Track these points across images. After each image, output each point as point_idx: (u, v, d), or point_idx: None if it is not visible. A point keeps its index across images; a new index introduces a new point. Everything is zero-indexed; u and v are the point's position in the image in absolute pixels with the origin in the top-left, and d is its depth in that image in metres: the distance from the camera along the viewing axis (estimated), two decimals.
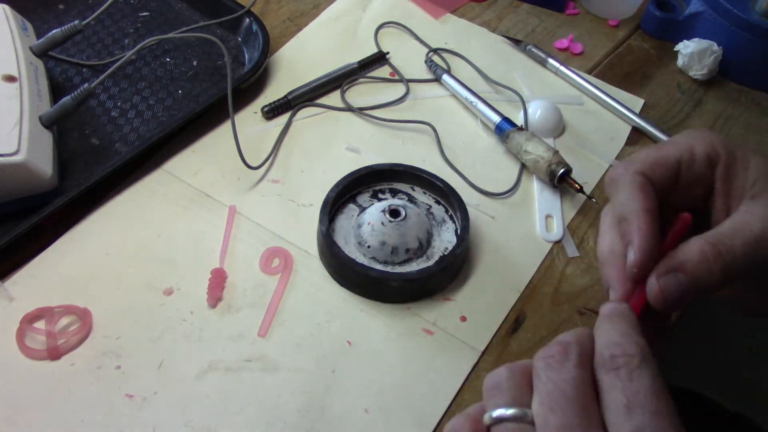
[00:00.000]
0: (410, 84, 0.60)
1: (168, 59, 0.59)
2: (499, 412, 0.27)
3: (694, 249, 0.31)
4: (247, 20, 0.60)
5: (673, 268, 0.31)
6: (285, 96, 0.57)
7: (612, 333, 0.28)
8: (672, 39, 0.65)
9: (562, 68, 0.62)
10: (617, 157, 0.56)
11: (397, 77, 0.60)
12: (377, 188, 0.50)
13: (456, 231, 0.48)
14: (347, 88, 0.59)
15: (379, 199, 0.50)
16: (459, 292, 0.47)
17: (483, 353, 0.44)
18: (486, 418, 0.28)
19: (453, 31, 0.65)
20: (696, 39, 0.62)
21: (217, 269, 0.46)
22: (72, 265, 0.46)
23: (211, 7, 0.62)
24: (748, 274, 0.32)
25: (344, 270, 0.46)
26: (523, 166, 0.54)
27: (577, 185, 0.51)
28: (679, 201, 0.35)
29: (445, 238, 0.48)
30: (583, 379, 0.27)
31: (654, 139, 0.57)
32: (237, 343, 0.44)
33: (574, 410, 0.26)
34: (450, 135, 0.56)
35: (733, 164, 0.33)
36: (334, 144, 0.55)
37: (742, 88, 0.63)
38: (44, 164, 0.46)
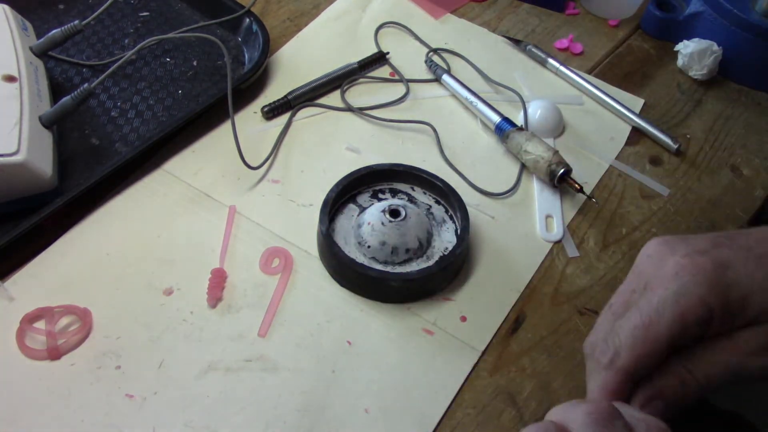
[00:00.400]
0: (410, 84, 0.60)
1: (168, 59, 0.59)
2: None
3: (673, 378, 0.32)
4: (247, 20, 0.60)
5: (653, 397, 0.32)
6: (285, 96, 0.57)
7: (582, 407, 0.28)
8: (672, 39, 0.65)
9: (562, 68, 0.62)
10: (617, 157, 0.56)
11: (397, 77, 0.60)
12: (377, 188, 0.50)
13: (456, 231, 0.48)
14: (347, 88, 0.59)
15: (379, 199, 0.50)
16: (459, 292, 0.47)
17: (483, 353, 0.44)
18: None
19: (453, 31, 0.65)
20: (696, 39, 0.62)
21: (217, 269, 0.46)
22: (72, 265, 0.46)
23: (211, 7, 0.62)
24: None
25: (344, 270, 0.46)
26: (523, 166, 0.54)
27: (577, 185, 0.51)
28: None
29: (445, 238, 0.48)
30: None
31: (654, 139, 0.57)
32: (237, 343, 0.44)
33: None
34: (450, 135, 0.56)
35: (728, 316, 0.32)
36: (334, 144, 0.55)
37: (742, 88, 0.63)
38: (44, 164, 0.46)
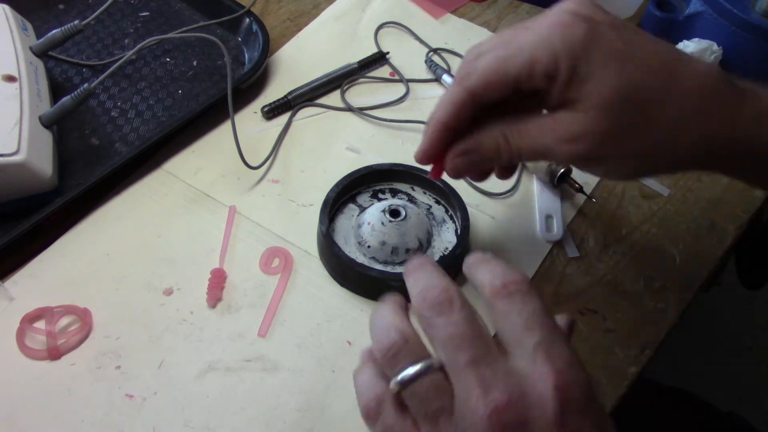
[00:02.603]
0: (410, 84, 0.60)
1: (168, 59, 0.59)
2: (406, 373, 0.29)
3: (491, 139, 0.37)
4: (247, 20, 0.60)
5: (470, 149, 0.37)
6: (285, 96, 0.57)
7: (497, 268, 0.31)
8: (672, 39, 0.65)
9: None
10: None
11: (397, 77, 0.60)
12: (377, 188, 0.50)
13: (456, 231, 0.48)
14: (347, 88, 0.59)
15: (379, 199, 0.50)
16: None
17: None
18: (393, 386, 0.29)
19: (453, 31, 0.65)
20: (696, 39, 0.62)
21: (217, 269, 0.46)
22: (72, 265, 0.46)
23: (211, 7, 0.62)
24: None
25: (344, 270, 0.46)
26: (523, 166, 0.54)
27: (577, 185, 0.51)
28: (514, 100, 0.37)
29: (445, 238, 0.48)
30: (473, 317, 0.30)
31: None
32: (237, 343, 0.44)
33: (477, 343, 0.28)
34: None
35: (570, 81, 0.34)
36: (334, 144, 0.55)
37: None
38: (44, 164, 0.46)
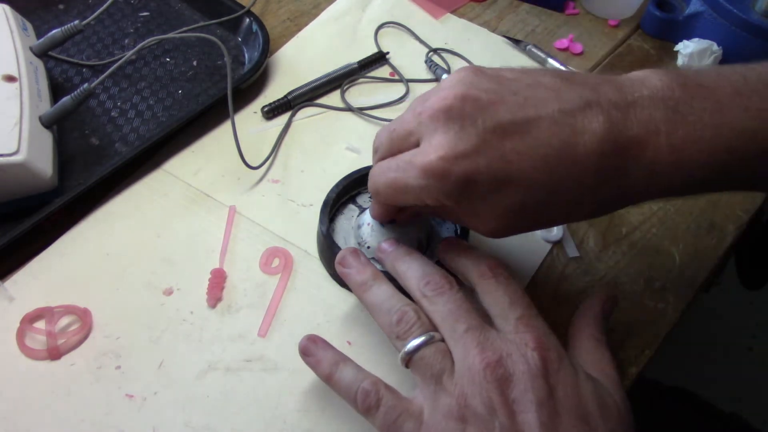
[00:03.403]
0: (410, 84, 0.60)
1: (168, 59, 0.59)
2: (416, 342, 0.36)
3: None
4: (247, 20, 0.60)
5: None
6: (285, 96, 0.57)
7: (482, 256, 0.39)
8: (672, 39, 0.65)
9: (562, 68, 0.62)
10: None
11: (397, 77, 0.60)
12: None
13: (456, 231, 0.48)
14: (347, 88, 0.59)
15: None
16: None
17: None
18: (403, 354, 0.36)
19: (453, 31, 0.65)
20: (696, 39, 0.62)
21: (216, 269, 0.46)
22: (72, 265, 0.46)
23: (211, 7, 0.62)
24: None
25: (337, 272, 0.46)
26: None
27: None
28: None
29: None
30: (466, 297, 0.37)
31: None
32: (237, 343, 0.44)
33: (471, 315, 0.36)
34: None
35: (462, 214, 0.37)
36: (334, 144, 0.55)
37: None
38: (44, 164, 0.46)
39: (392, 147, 0.37)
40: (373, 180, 0.39)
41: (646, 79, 0.34)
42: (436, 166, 0.34)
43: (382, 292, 0.38)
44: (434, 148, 0.34)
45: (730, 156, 0.33)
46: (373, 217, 0.43)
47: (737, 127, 0.33)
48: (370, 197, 0.50)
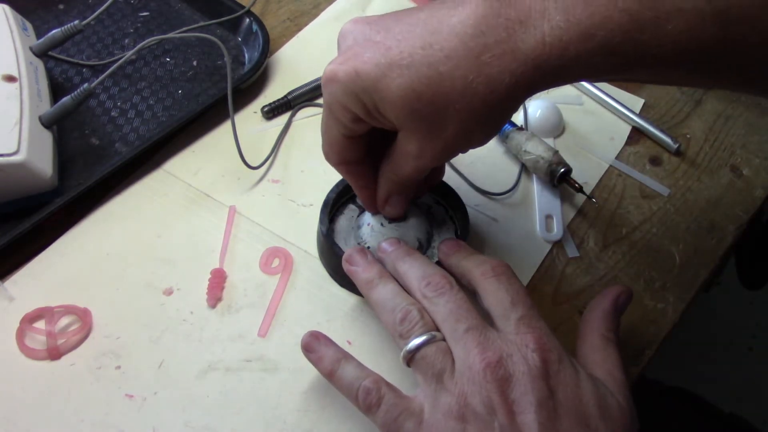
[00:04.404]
0: None
1: (168, 59, 0.59)
2: (416, 342, 0.36)
3: (385, 187, 0.41)
4: (247, 20, 0.60)
5: (384, 203, 0.42)
6: (285, 96, 0.57)
7: (480, 256, 0.40)
8: None
9: None
10: (617, 157, 0.56)
11: None
12: None
13: (456, 231, 0.48)
14: None
15: None
16: None
17: None
18: (405, 353, 0.36)
19: None
20: None
21: (216, 269, 0.46)
22: (72, 265, 0.46)
23: (211, 7, 0.62)
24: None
25: (343, 268, 0.46)
26: (523, 166, 0.54)
27: (577, 185, 0.51)
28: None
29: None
30: (466, 297, 0.37)
31: (654, 139, 0.57)
32: (237, 343, 0.44)
33: (472, 315, 0.36)
34: None
35: (370, 116, 0.36)
36: None
37: None
38: (44, 164, 0.46)
39: None
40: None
41: None
42: (327, 71, 0.35)
43: (388, 290, 0.39)
44: (330, 63, 0.36)
45: (628, 17, 0.31)
46: (360, 199, 0.44)
47: None
48: None
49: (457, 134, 0.35)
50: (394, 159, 0.38)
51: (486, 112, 0.34)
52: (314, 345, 0.39)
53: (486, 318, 0.37)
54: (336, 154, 0.40)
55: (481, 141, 0.37)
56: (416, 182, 0.40)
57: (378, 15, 0.37)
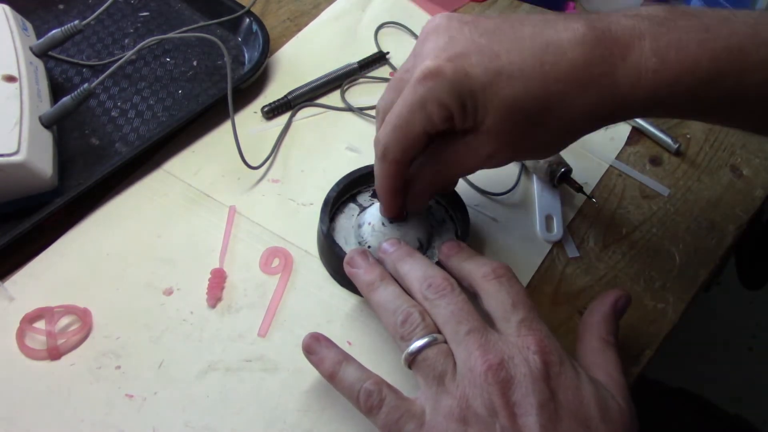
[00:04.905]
0: None
1: (168, 59, 0.59)
2: (417, 344, 0.36)
3: (428, 182, 0.41)
4: (247, 20, 0.60)
5: (416, 198, 0.42)
6: (285, 96, 0.57)
7: (480, 258, 0.40)
8: None
9: None
10: (617, 157, 0.56)
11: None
12: None
13: (456, 231, 0.48)
14: (347, 88, 0.59)
15: None
16: None
17: None
18: (406, 355, 0.36)
19: None
20: None
21: (216, 269, 0.46)
22: (72, 265, 0.46)
23: (211, 7, 0.62)
24: None
25: (344, 270, 0.46)
26: (523, 166, 0.54)
27: (577, 185, 0.51)
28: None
29: (446, 239, 0.48)
30: (467, 299, 0.37)
31: (654, 139, 0.57)
32: (237, 343, 0.44)
33: (473, 317, 0.36)
34: None
35: (465, 118, 0.37)
36: (334, 144, 0.55)
37: None
38: (44, 164, 0.46)
39: (393, 91, 0.40)
40: (378, 135, 0.39)
41: (630, 8, 0.36)
42: (431, 66, 0.35)
43: (389, 292, 0.39)
44: (426, 56, 0.36)
45: (715, 66, 0.34)
46: (382, 196, 0.42)
47: (722, 43, 0.34)
48: (370, 196, 0.50)
49: (539, 147, 0.39)
50: (455, 156, 0.39)
51: (573, 132, 0.38)
52: (315, 347, 0.39)
53: (487, 320, 0.37)
54: (402, 151, 0.39)
55: (551, 155, 0.41)
56: (449, 187, 0.44)
57: (469, 15, 0.38)
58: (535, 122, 0.36)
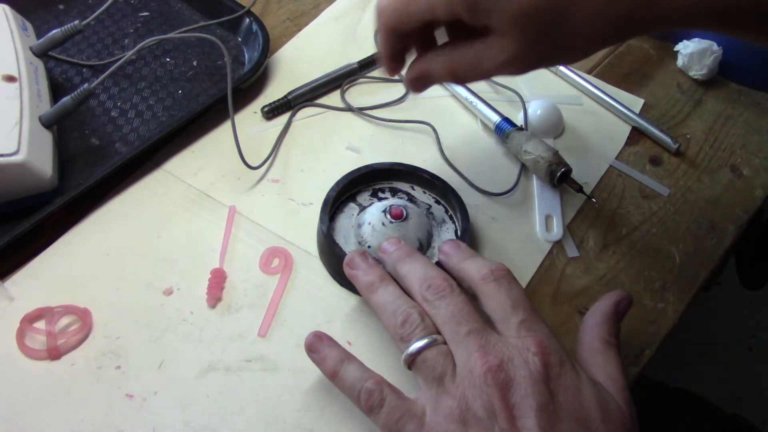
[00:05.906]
0: None
1: (168, 59, 0.59)
2: (417, 345, 0.36)
3: (438, 70, 0.40)
4: (247, 20, 0.60)
5: (421, 77, 0.41)
6: (285, 96, 0.57)
7: (483, 259, 0.39)
8: (672, 39, 0.65)
9: (562, 68, 0.62)
10: (617, 157, 0.56)
11: (397, 77, 0.60)
12: (377, 187, 0.50)
13: (456, 231, 0.48)
14: (347, 88, 0.59)
15: (379, 198, 0.50)
16: None
17: None
18: (406, 356, 0.36)
19: None
20: (696, 39, 0.62)
21: (216, 269, 0.46)
22: (72, 265, 0.46)
23: (211, 7, 0.62)
24: None
25: (345, 274, 0.46)
26: (523, 166, 0.54)
27: (576, 185, 0.51)
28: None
29: (445, 239, 0.48)
30: (467, 300, 0.37)
31: (654, 139, 0.57)
32: (237, 343, 0.44)
33: (473, 318, 0.36)
34: (450, 135, 0.56)
35: (476, 16, 0.36)
36: (334, 144, 0.55)
37: (742, 88, 0.63)
38: (44, 164, 0.46)
39: None
40: (379, 1, 0.39)
41: None
42: None
43: (389, 293, 0.39)
44: None
45: None
46: (380, 55, 0.42)
47: None
48: (370, 196, 0.50)
49: (561, 49, 0.36)
50: (471, 55, 0.38)
51: (597, 33, 0.35)
52: (318, 345, 0.39)
53: (487, 321, 0.37)
54: (395, 26, 0.39)
55: (575, 60, 0.38)
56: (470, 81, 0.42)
57: None
58: (552, 22, 0.35)
